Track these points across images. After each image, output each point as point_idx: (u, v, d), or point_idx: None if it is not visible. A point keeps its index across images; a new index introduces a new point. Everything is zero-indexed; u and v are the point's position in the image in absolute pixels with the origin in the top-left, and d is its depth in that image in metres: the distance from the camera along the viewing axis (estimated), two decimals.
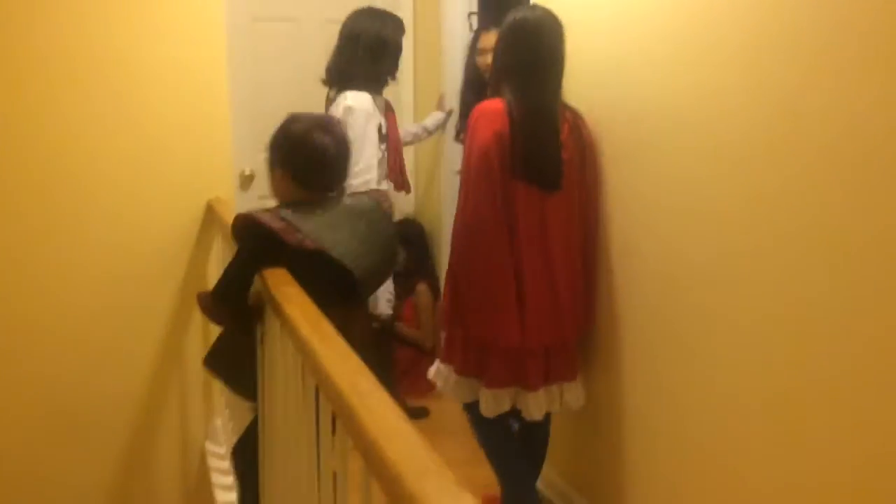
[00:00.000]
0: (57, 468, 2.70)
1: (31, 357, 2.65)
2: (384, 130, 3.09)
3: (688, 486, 1.96)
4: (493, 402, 2.22)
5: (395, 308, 3.51)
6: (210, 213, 2.75)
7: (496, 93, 2.20)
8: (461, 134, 3.30)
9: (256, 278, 1.71)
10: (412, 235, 3.75)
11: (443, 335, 2.50)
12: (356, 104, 2.91)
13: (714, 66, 1.78)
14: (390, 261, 1.94)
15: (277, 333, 1.53)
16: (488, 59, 2.54)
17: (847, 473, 1.49)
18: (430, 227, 3.77)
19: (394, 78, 3.15)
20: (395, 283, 3.64)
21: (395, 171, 3.18)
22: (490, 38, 2.73)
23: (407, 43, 3.33)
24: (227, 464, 2.71)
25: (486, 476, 2.44)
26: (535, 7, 2.34)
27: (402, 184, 3.24)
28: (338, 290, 1.73)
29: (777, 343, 1.62)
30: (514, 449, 2.41)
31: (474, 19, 3.45)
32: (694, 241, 1.88)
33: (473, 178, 2.12)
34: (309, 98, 3.10)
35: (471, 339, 2.23)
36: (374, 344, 2.08)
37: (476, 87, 3.10)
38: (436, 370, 2.39)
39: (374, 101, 3.01)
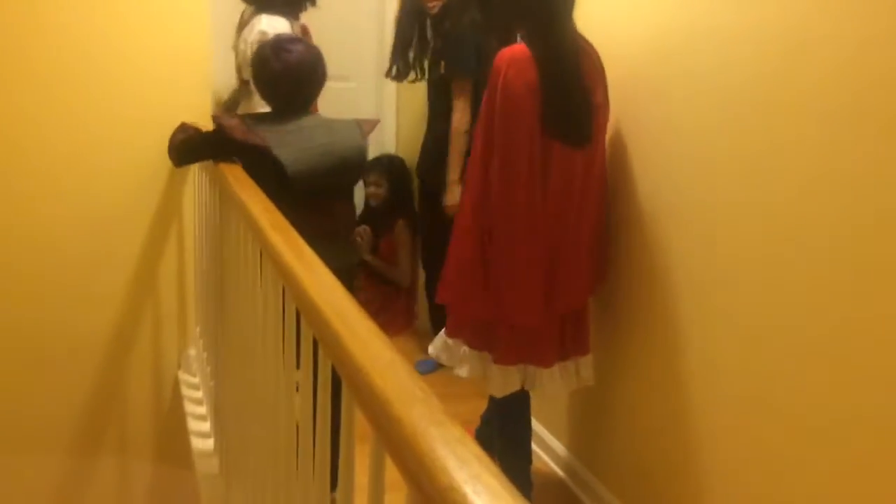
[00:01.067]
0: (30, 394, 2.68)
1: (2, 283, 2.60)
2: None
3: (703, 467, 1.88)
4: (501, 380, 2.04)
5: (372, 245, 3.50)
6: None
7: (504, 39, 1.95)
8: (394, 69, 3.12)
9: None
10: (394, 171, 3.70)
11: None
12: (270, 30, 2.73)
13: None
14: (343, 168, 2.22)
15: (237, 233, 1.50)
16: None
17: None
18: (411, 163, 3.72)
19: (313, 3, 2.97)
20: (375, 218, 3.62)
21: None
22: None
23: None
24: (199, 394, 2.71)
25: (466, 412, 2.46)
26: None
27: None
28: (280, 187, 2.00)
29: (797, 285, 1.58)
30: (529, 441, 2.28)
31: None
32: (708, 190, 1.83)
33: (506, 135, 1.85)
34: None
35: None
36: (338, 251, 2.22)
37: (415, 15, 2.99)
38: (441, 345, 2.16)
39: (291, 26, 2.86)
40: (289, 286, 1.20)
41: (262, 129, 2.10)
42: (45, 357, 2.68)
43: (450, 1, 2.87)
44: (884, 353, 1.39)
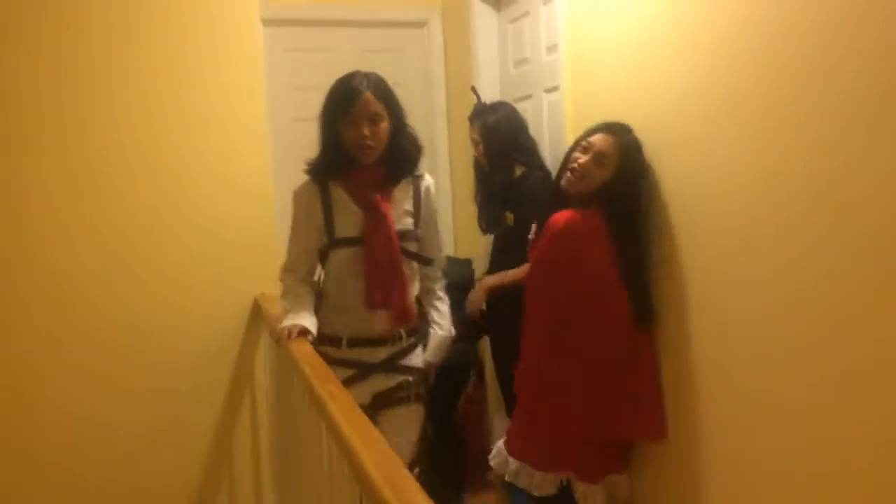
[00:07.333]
0: None
1: (81, 440, 2.65)
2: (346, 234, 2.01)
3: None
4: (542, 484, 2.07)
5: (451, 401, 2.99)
6: (257, 309, 2.76)
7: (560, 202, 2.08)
8: (486, 225, 2.91)
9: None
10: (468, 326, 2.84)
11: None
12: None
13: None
14: None
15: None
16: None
17: None
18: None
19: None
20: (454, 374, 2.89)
21: (374, 294, 1.97)
22: (473, 131, 2.71)
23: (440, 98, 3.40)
24: None
25: None
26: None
27: (401, 317, 2.01)
28: None
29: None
30: None
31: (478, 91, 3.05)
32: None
33: (588, 300, 1.98)
34: None
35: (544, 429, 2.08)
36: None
37: (479, 167, 2.97)
38: (516, 469, 2.14)
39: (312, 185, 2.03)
40: (350, 465, 1.20)
41: None
42: None
43: (490, 151, 2.83)
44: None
